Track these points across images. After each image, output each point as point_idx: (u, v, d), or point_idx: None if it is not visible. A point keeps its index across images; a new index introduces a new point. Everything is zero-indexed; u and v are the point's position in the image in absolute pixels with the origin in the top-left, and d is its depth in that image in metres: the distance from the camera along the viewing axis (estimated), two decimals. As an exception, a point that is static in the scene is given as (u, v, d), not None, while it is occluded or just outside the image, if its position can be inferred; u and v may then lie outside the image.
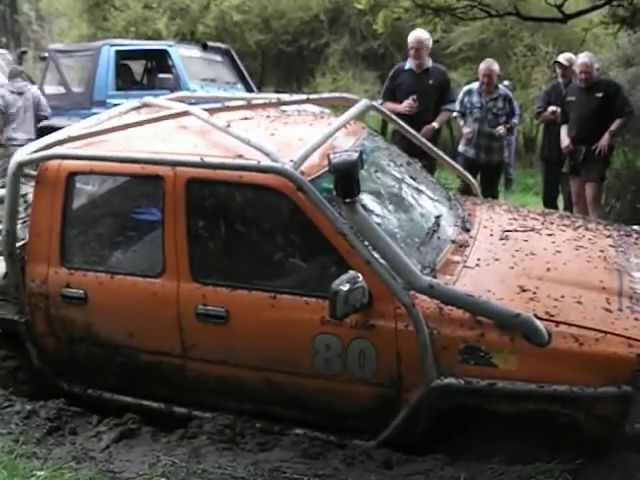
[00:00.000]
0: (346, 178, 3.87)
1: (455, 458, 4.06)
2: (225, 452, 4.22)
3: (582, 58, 8.20)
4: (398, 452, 4.18)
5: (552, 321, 3.95)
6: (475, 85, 8.69)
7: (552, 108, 8.78)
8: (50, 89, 12.62)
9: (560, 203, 9.28)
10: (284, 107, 5.46)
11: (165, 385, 4.70)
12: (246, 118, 5.09)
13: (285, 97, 5.61)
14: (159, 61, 12.94)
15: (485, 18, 10.88)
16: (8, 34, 27.64)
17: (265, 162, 4.19)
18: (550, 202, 9.20)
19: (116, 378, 4.83)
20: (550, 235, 4.89)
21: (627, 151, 9.57)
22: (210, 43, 13.24)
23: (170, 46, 12.55)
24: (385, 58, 16.54)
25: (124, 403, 4.79)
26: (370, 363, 4.13)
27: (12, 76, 11.01)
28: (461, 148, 8.77)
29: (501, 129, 8.42)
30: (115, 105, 10.56)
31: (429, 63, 8.11)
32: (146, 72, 14.10)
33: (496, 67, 8.57)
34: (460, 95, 8.75)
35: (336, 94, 6.35)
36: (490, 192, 8.33)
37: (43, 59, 13.44)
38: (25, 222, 5.12)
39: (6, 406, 4.67)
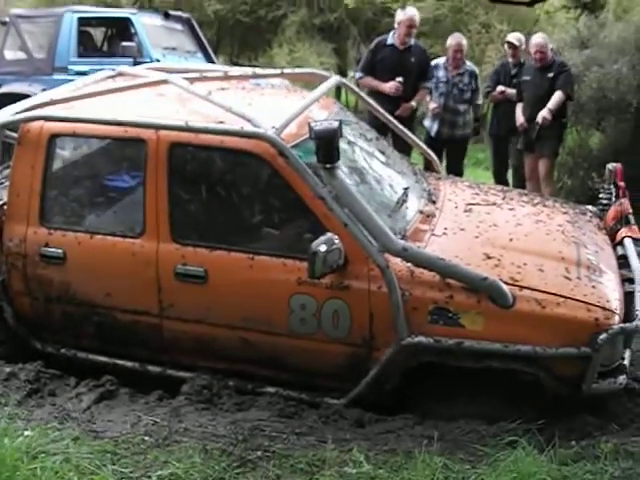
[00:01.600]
0: (327, 144, 4.04)
1: (424, 418, 4.26)
2: (204, 412, 4.33)
3: (537, 38, 8.39)
4: (369, 412, 4.35)
5: (516, 286, 4.19)
6: (441, 60, 8.72)
7: (500, 88, 8.88)
8: (10, 54, 12.53)
9: (509, 178, 9.41)
10: (257, 80, 5.60)
11: (141, 345, 4.82)
12: (223, 89, 5.22)
13: (260, 71, 5.76)
14: (121, 29, 12.87)
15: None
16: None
17: (248, 128, 4.36)
18: (500, 177, 9.30)
19: (91, 338, 4.93)
20: (511, 209, 5.14)
21: (580, 129, 9.82)
22: (171, 12, 13.21)
23: (133, 14, 12.51)
24: (341, 31, 16.64)
25: (99, 362, 4.89)
26: (343, 323, 4.32)
27: None
28: (426, 123, 8.83)
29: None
30: (77, 72, 10.80)
31: (412, 41, 8.23)
32: (107, 39, 13.98)
33: (465, 42, 8.67)
34: None
35: (308, 69, 6.52)
36: (455, 167, 8.55)
37: (3, 24, 13.10)
38: (2, 184, 5.20)
39: None
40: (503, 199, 5.32)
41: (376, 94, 7.94)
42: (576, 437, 4.13)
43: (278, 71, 5.78)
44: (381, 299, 4.21)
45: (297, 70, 6.51)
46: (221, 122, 4.49)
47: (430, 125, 8.75)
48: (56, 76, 11.37)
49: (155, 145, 4.55)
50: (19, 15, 12.83)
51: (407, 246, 4.17)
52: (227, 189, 4.62)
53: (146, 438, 3.99)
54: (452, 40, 8.66)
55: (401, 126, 6.02)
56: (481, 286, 4.11)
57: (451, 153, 8.79)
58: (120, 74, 5.72)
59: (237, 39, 18.04)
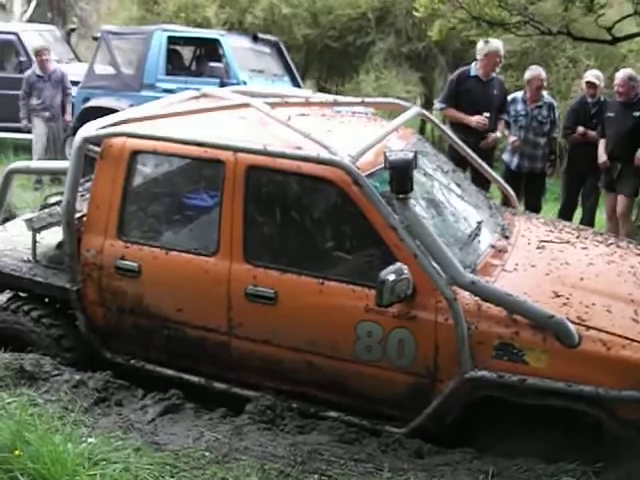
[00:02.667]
0: (401, 175, 4.09)
1: (482, 453, 4.24)
2: (265, 432, 4.39)
3: (622, 74, 8.31)
4: (429, 443, 4.36)
5: (583, 325, 4.17)
6: (519, 94, 8.71)
7: (581, 129, 8.75)
8: (100, 69, 12.79)
9: (577, 217, 9.23)
10: (338, 108, 5.69)
11: (209, 361, 4.91)
12: (303, 115, 5.32)
13: (341, 99, 5.84)
14: (209, 49, 13.07)
15: (537, 35, 11.03)
16: (54, 10, 27.64)
17: (324, 155, 4.43)
18: (565, 215, 9.00)
19: (160, 351, 5.05)
20: (584, 248, 5.11)
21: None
22: (260, 35, 13.35)
23: (222, 35, 12.64)
24: (428, 60, 16.62)
25: (166, 375, 5.00)
26: (408, 352, 4.35)
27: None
28: (505, 157, 8.80)
29: None
30: (164, 89, 11.08)
31: (493, 73, 8.27)
32: (195, 59, 14.24)
33: (544, 75, 8.60)
34: None
35: (390, 99, 6.53)
36: (533, 201, 8.55)
37: (95, 39, 13.44)
38: (83, 196, 5.36)
39: (55, 374, 4.84)
40: (577, 237, 5.29)
41: (459, 126, 8.07)
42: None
43: (359, 100, 5.86)
44: (447, 331, 4.23)
45: (378, 99, 6.61)
46: (299, 148, 4.57)
47: (510, 159, 8.71)
48: (144, 92, 11.70)
49: (233, 167, 4.66)
50: (110, 31, 13.09)
51: (475, 280, 4.18)
52: (301, 214, 4.70)
53: (206, 454, 4.07)
54: (531, 73, 8.61)
55: (480, 160, 6.02)
56: (547, 324, 4.10)
57: (530, 187, 8.73)
58: (204, 95, 5.86)
59: (325, 64, 18.09)
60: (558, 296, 4.39)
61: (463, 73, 8.40)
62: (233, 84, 9.82)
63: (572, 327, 4.09)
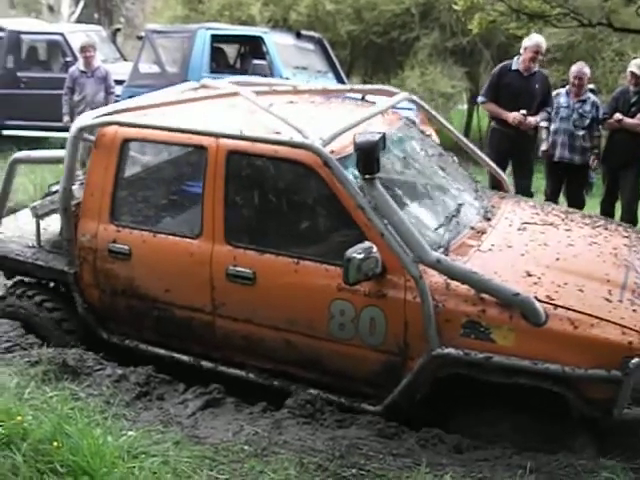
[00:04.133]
0: (367, 155, 4.20)
1: (522, 448, 4.23)
2: (305, 426, 4.44)
3: None
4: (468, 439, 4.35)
5: (551, 304, 4.20)
6: (564, 89, 8.75)
7: (618, 116, 8.52)
8: (145, 67, 12.93)
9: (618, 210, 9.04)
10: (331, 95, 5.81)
11: (196, 340, 5.08)
12: (291, 102, 5.45)
13: (329, 86, 5.95)
14: (253, 46, 13.09)
15: (578, 27, 10.95)
16: (101, 11, 28.05)
17: (297, 138, 4.56)
18: (606, 208, 8.96)
19: (152, 331, 5.23)
20: (567, 230, 5.15)
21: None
22: (303, 32, 13.38)
23: (265, 33, 12.68)
24: (473, 55, 16.49)
25: (158, 355, 5.17)
26: (380, 330, 4.44)
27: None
28: (544, 147, 8.80)
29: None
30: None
31: (536, 67, 8.31)
32: (239, 56, 14.32)
33: (587, 70, 8.58)
34: None
35: (378, 86, 6.61)
36: (575, 195, 8.66)
37: (140, 38, 13.60)
38: (83, 184, 5.57)
39: (98, 369, 4.99)
40: (562, 220, 5.32)
41: (499, 119, 8.21)
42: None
43: (348, 87, 5.96)
44: (416, 309, 4.30)
45: (367, 86, 6.67)
46: (277, 132, 4.70)
47: (547, 148, 8.73)
48: None
49: (215, 152, 4.80)
50: (154, 30, 13.20)
51: (441, 258, 4.25)
52: (278, 196, 4.83)
53: (245, 447, 4.14)
54: (574, 67, 8.65)
55: (472, 145, 6.07)
56: (512, 301, 4.15)
57: (571, 180, 8.77)
58: (203, 86, 6.02)
59: (370, 60, 18.01)
60: (530, 275, 4.43)
61: (505, 67, 8.45)
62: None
63: (538, 305, 4.13)
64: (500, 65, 8.63)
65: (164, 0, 19.98)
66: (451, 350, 4.24)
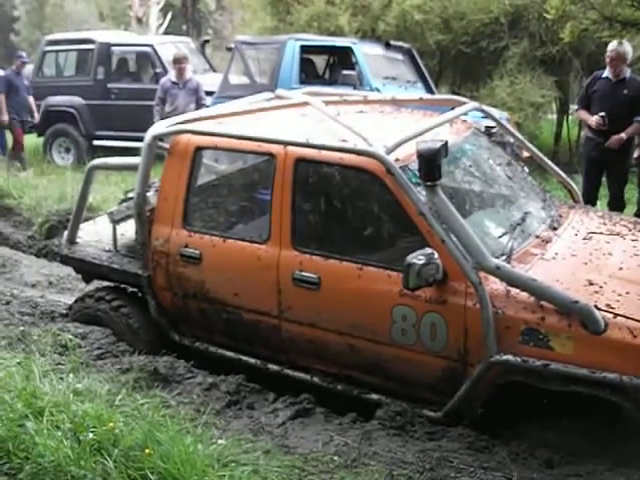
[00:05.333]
0: (429, 162, 4.26)
1: (617, 464, 4.17)
2: (395, 438, 4.46)
3: None
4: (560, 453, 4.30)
5: (611, 312, 4.19)
6: None
7: None
8: (234, 79, 13.10)
9: None
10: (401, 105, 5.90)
11: (263, 344, 5.21)
12: (361, 112, 5.56)
13: (399, 96, 6.04)
14: (342, 57, 13.15)
15: None
16: (189, 22, 28.54)
17: (361, 146, 4.66)
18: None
19: (221, 334, 5.38)
20: (634, 240, 5.11)
21: None
22: (392, 42, 13.40)
23: (354, 43, 12.74)
24: (563, 64, 16.32)
25: (226, 357, 5.33)
26: (440, 336, 4.50)
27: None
28: (636, 154, 8.84)
29: None
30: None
31: (627, 73, 8.33)
32: (329, 67, 14.39)
33: None
34: None
35: (447, 96, 6.68)
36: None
37: (229, 49, 13.76)
38: (157, 190, 5.77)
39: (188, 377, 5.14)
40: (630, 230, 5.28)
41: (591, 128, 8.31)
42: None
43: (417, 97, 6.03)
44: (476, 315, 4.35)
45: (436, 96, 6.75)
46: (344, 140, 4.80)
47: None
48: None
49: (283, 160, 4.93)
50: (244, 42, 13.34)
51: (500, 264, 4.28)
52: (343, 203, 4.91)
53: (335, 458, 4.19)
54: None
55: (541, 154, 6.05)
56: (571, 309, 4.16)
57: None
58: (277, 96, 6.18)
59: (459, 70, 17.88)
60: (591, 284, 4.43)
61: (596, 75, 8.58)
62: (366, 91, 9.89)
63: (597, 313, 4.13)
64: (594, 74, 8.71)
65: (253, 11, 20.08)
66: (509, 357, 4.27)
